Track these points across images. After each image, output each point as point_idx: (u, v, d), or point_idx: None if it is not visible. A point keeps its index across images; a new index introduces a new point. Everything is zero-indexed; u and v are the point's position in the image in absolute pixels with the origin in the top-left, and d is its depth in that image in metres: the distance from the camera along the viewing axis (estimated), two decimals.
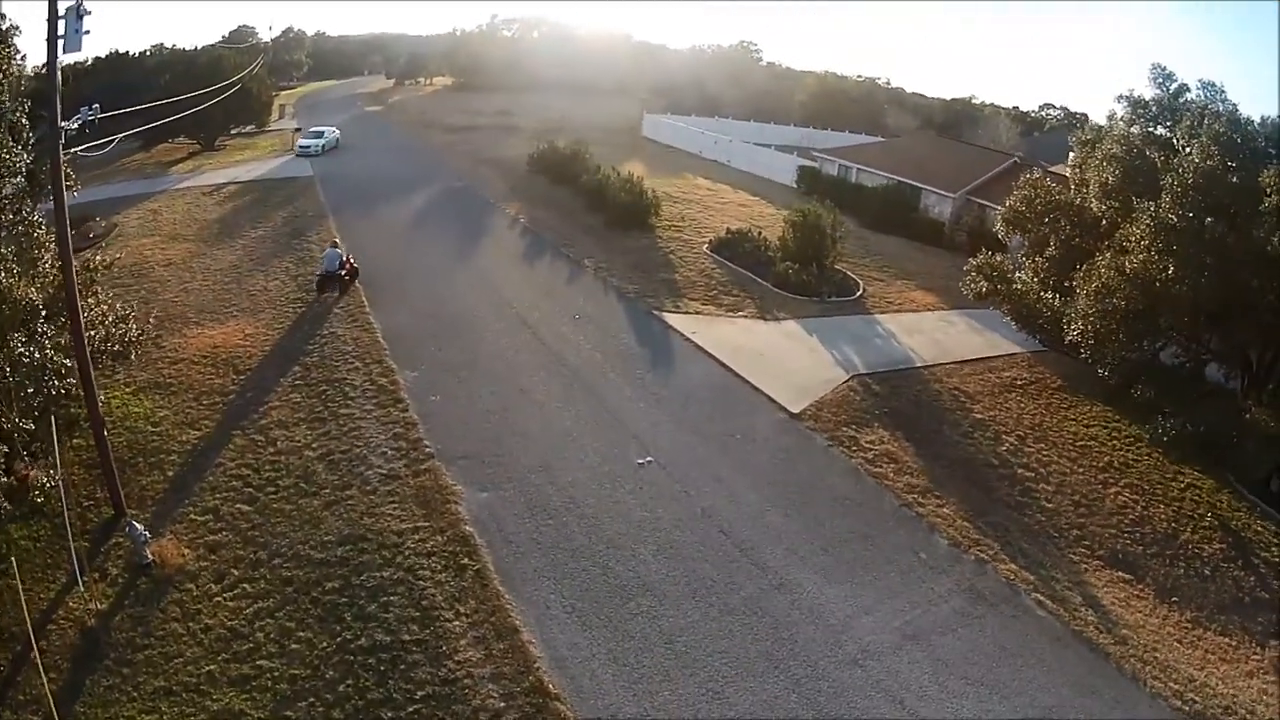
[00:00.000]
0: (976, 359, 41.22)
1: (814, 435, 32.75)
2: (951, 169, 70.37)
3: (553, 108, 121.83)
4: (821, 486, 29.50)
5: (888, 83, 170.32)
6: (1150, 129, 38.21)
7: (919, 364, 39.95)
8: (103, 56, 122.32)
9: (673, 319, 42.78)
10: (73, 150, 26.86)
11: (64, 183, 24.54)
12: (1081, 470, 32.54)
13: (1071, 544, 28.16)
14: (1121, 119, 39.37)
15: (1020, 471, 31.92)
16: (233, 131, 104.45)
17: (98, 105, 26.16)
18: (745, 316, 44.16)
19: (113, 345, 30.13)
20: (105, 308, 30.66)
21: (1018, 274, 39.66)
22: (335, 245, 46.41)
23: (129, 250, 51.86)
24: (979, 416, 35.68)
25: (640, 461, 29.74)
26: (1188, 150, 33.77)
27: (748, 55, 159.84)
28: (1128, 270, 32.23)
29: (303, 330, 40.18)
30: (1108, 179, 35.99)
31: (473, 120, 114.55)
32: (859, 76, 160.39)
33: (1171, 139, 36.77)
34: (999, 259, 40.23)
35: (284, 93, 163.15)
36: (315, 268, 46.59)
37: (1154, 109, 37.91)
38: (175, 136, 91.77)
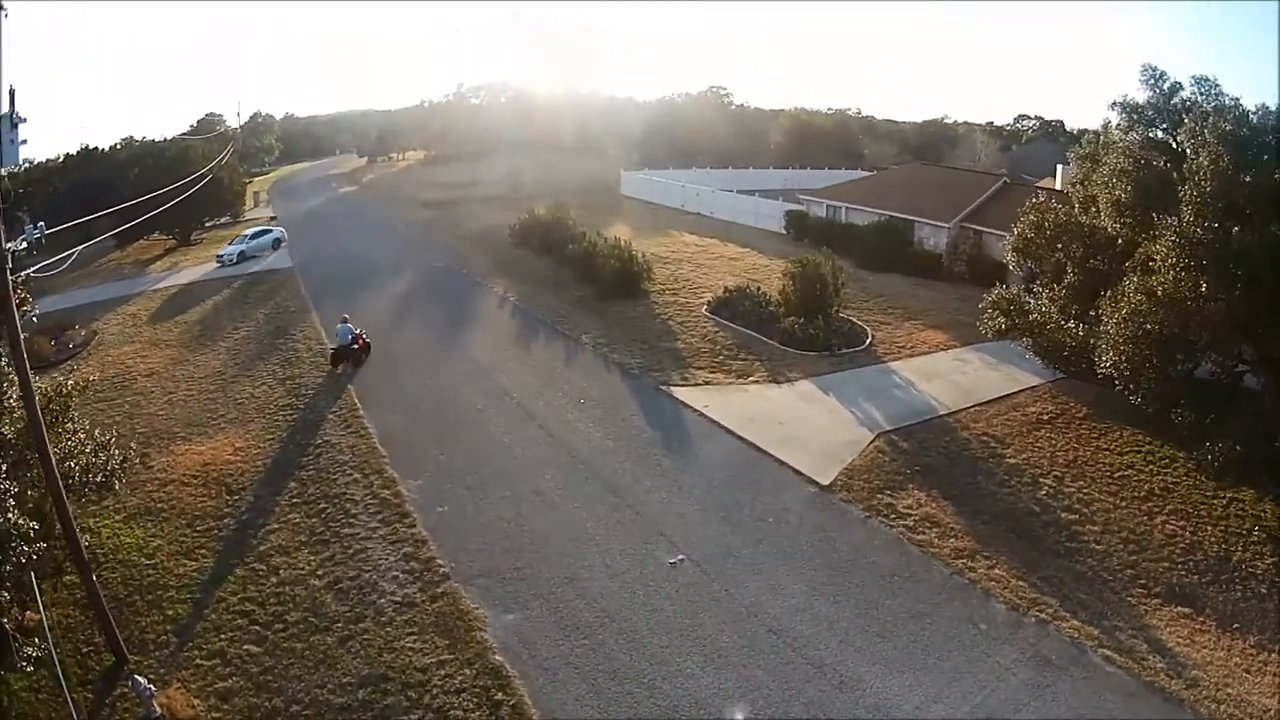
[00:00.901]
0: (999, 398, 39.46)
1: (849, 508, 30.77)
2: (941, 197, 68.72)
3: (527, 172, 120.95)
4: (866, 564, 27.50)
5: (859, 112, 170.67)
6: (1150, 134, 36.52)
7: (943, 411, 38.17)
8: (73, 153, 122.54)
9: (682, 393, 40.88)
10: (24, 271, 25.14)
11: (15, 308, 22.53)
12: (1124, 503, 30.81)
13: (1127, 585, 26.45)
14: (1118, 127, 37.69)
15: (1064, 515, 30.13)
16: (207, 224, 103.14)
17: (43, 224, 24.46)
18: (756, 381, 42.27)
19: (95, 476, 28.33)
20: (83, 435, 29.00)
21: (1034, 304, 37.86)
22: (345, 320, 48.10)
23: (110, 360, 51.57)
24: (1012, 461, 33.89)
25: (672, 561, 27.61)
26: (1195, 155, 31.96)
27: (718, 100, 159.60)
28: (1158, 292, 30.39)
29: (295, 440, 38.29)
30: (1119, 196, 33.92)
31: (449, 193, 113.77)
32: (829, 109, 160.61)
33: (1172, 143, 35.03)
34: (1014, 291, 38.57)
35: (257, 179, 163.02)
36: (301, 369, 46.06)
37: (1150, 112, 36.16)
38: (150, 234, 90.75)
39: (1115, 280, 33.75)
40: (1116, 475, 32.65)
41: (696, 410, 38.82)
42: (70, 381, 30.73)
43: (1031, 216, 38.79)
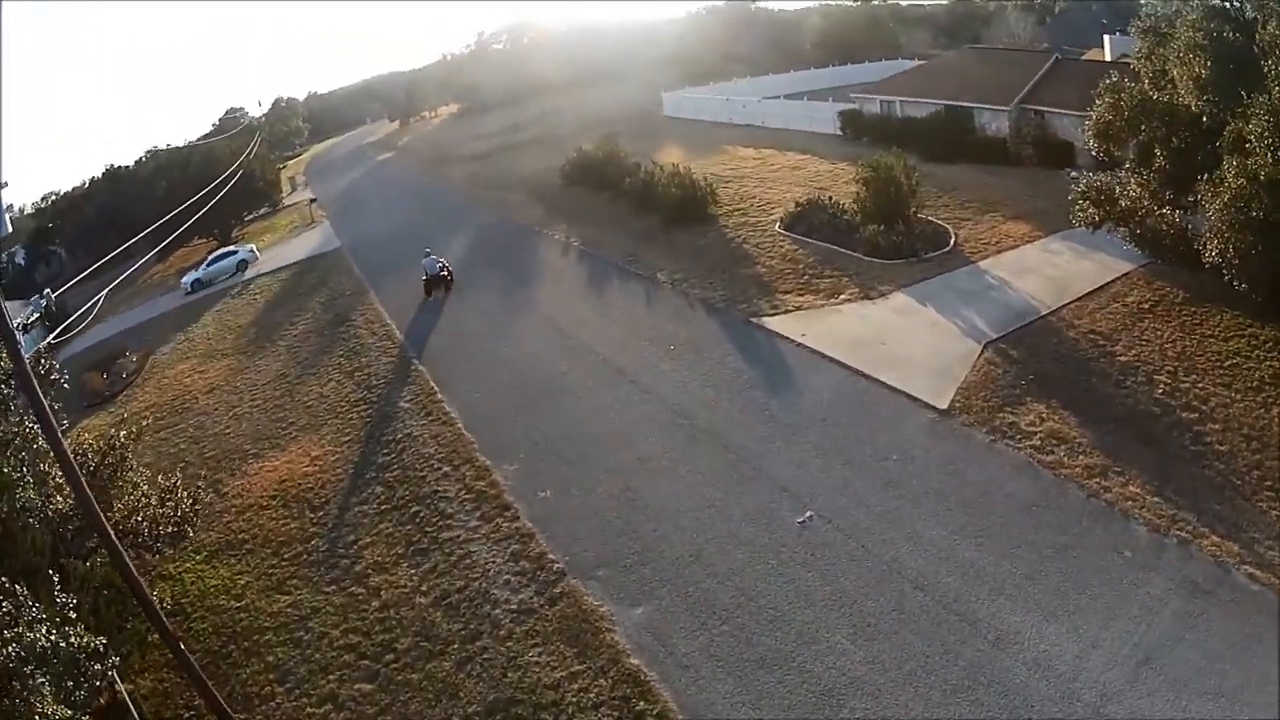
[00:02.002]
0: (1096, 289, 36.66)
1: (972, 432, 28.27)
2: (995, 81, 64.67)
3: (564, 110, 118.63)
4: (1002, 496, 25.12)
5: (885, 0, 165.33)
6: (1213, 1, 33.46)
7: (1044, 311, 35.47)
8: (98, 177, 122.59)
9: (774, 323, 38.43)
10: (46, 340, 23.33)
11: (38, 384, 20.32)
12: (1240, 396, 28.20)
13: (1256, 489, 24.03)
14: None
15: (1184, 415, 27.63)
16: (247, 218, 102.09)
17: (49, 290, 22.82)
18: (849, 300, 39.62)
19: (165, 528, 26.74)
20: (146, 488, 27.52)
21: (1123, 190, 34.97)
22: (429, 254, 53.46)
23: (167, 382, 50.04)
24: (1124, 359, 31.32)
25: (800, 521, 25.33)
26: (1265, 25, 28.98)
27: (745, 8, 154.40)
28: (1260, 176, 27.45)
29: (375, 438, 36.20)
30: (1199, 72, 30.57)
31: (488, 143, 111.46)
32: (857, 2, 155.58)
33: (1238, 9, 31.89)
34: (1105, 179, 35.52)
35: (291, 162, 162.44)
36: (368, 357, 45.05)
37: None
38: (188, 241, 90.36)
39: (1207, 162, 30.75)
40: (1227, 365, 30.12)
41: (793, 341, 36.40)
42: (123, 433, 29.04)
43: (1107, 98, 35.16)
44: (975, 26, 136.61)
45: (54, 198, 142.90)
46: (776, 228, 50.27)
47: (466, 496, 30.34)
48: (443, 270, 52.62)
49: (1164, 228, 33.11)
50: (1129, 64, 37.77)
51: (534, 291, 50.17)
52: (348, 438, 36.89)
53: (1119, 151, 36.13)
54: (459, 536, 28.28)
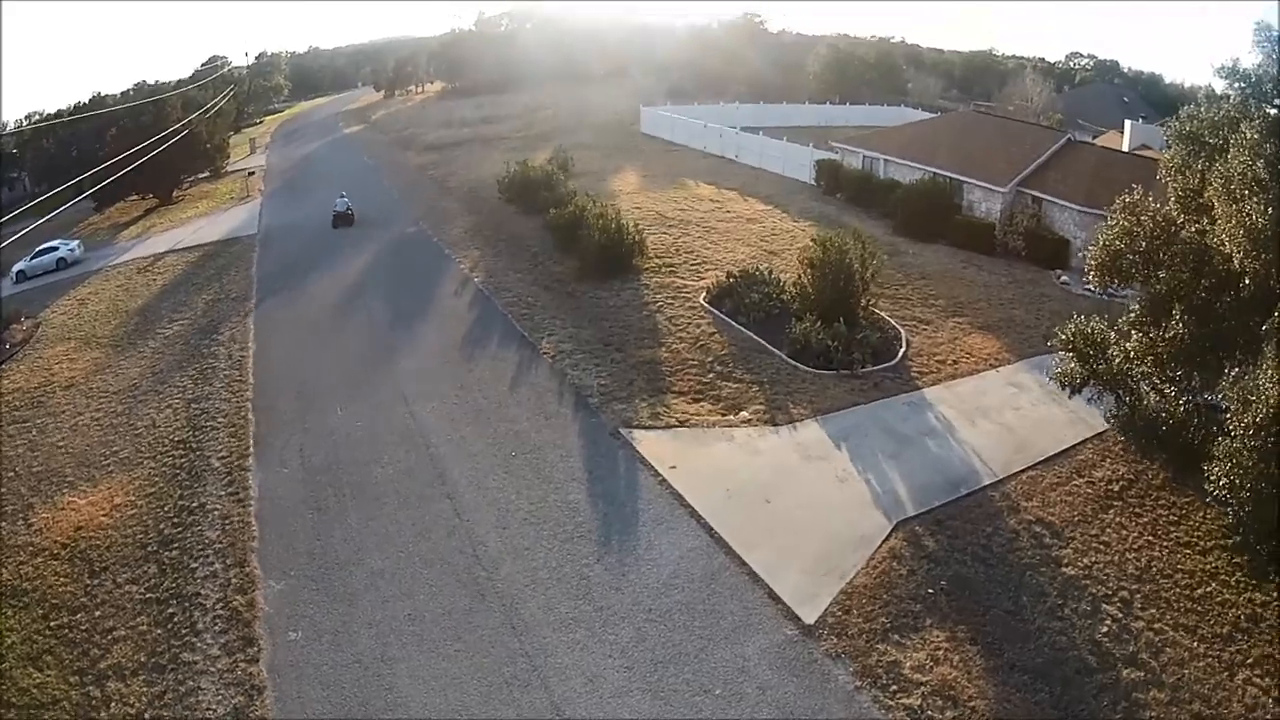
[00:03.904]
0: (1061, 452, 29.93)
1: (836, 670, 20.94)
2: (996, 154, 57.46)
3: (547, 107, 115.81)
4: None
5: (903, 41, 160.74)
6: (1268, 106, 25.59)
7: (987, 480, 28.38)
8: (68, 108, 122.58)
9: (646, 442, 31.03)
10: None
11: None
12: (1202, 648, 21.65)
13: None
14: (1233, 102, 26.76)
15: (1125, 674, 20.81)
16: (185, 182, 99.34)
17: None
18: (750, 422, 32.18)
19: None
20: None
21: (1119, 344, 27.48)
22: (343, 195, 69.49)
23: (39, 364, 47.31)
24: (1070, 571, 24.27)
25: None
26: None
27: (753, 26, 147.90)
28: None
29: (174, 500, 31.05)
30: (1256, 220, 22.18)
31: (456, 133, 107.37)
32: (873, 37, 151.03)
33: None
34: (1097, 324, 28.12)
35: (268, 119, 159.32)
36: (212, 388, 40.41)
37: (1269, 86, 25.36)
38: (127, 196, 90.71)
39: (1239, 337, 23.28)
40: (1197, 594, 23.53)
41: (658, 474, 29.06)
42: None
43: (1121, 220, 27.58)
44: (990, 83, 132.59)
45: (38, 117, 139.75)
46: (702, 299, 42.94)
47: (221, 612, 25.15)
48: (347, 210, 68.10)
49: (1163, 414, 26.12)
50: (1151, 159, 29.92)
51: (405, 339, 43.26)
52: (153, 489, 32.21)
53: (1125, 289, 28.87)
54: (197, 664, 23.27)
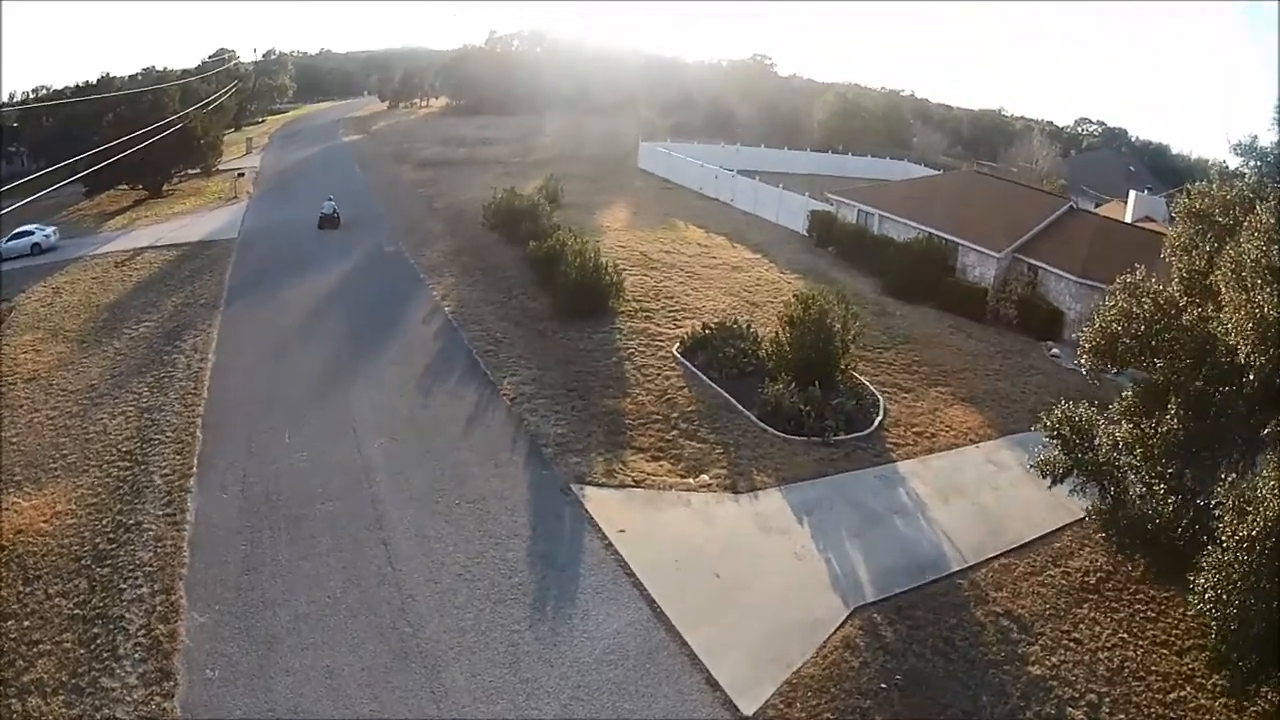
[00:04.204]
0: (1037, 539, 28.69)
1: None
2: (994, 217, 56.53)
3: (546, 133, 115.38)
4: None
5: (912, 94, 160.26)
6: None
7: (956, 566, 26.98)
8: (61, 89, 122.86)
9: (597, 501, 29.43)
10: None
11: None
12: None
13: None
14: (1248, 181, 25.48)
15: None
16: (175, 177, 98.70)
17: None
18: (709, 486, 30.65)
19: None
20: None
21: (1106, 431, 26.12)
22: (331, 199, 71.39)
23: (6, 350, 46.39)
24: (1036, 671, 22.87)
25: None
26: None
27: (761, 69, 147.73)
28: None
29: (113, 514, 29.74)
30: (1268, 312, 20.85)
31: (452, 152, 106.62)
32: (882, 88, 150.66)
33: None
34: (1085, 409, 26.75)
35: (270, 119, 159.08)
36: (166, 399, 39.11)
37: None
38: (117, 184, 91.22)
39: (1239, 433, 21.86)
40: (1170, 700, 22.32)
41: (605, 538, 27.47)
42: None
43: (1120, 302, 26.28)
44: (996, 142, 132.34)
45: (43, 92, 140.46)
46: (675, 349, 41.46)
47: (143, 640, 23.84)
48: (334, 214, 70.02)
49: (1149, 512, 24.62)
50: (1154, 232, 28.84)
51: (365, 366, 41.59)
52: (95, 500, 30.97)
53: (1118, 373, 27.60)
54: (114, 691, 22.05)
